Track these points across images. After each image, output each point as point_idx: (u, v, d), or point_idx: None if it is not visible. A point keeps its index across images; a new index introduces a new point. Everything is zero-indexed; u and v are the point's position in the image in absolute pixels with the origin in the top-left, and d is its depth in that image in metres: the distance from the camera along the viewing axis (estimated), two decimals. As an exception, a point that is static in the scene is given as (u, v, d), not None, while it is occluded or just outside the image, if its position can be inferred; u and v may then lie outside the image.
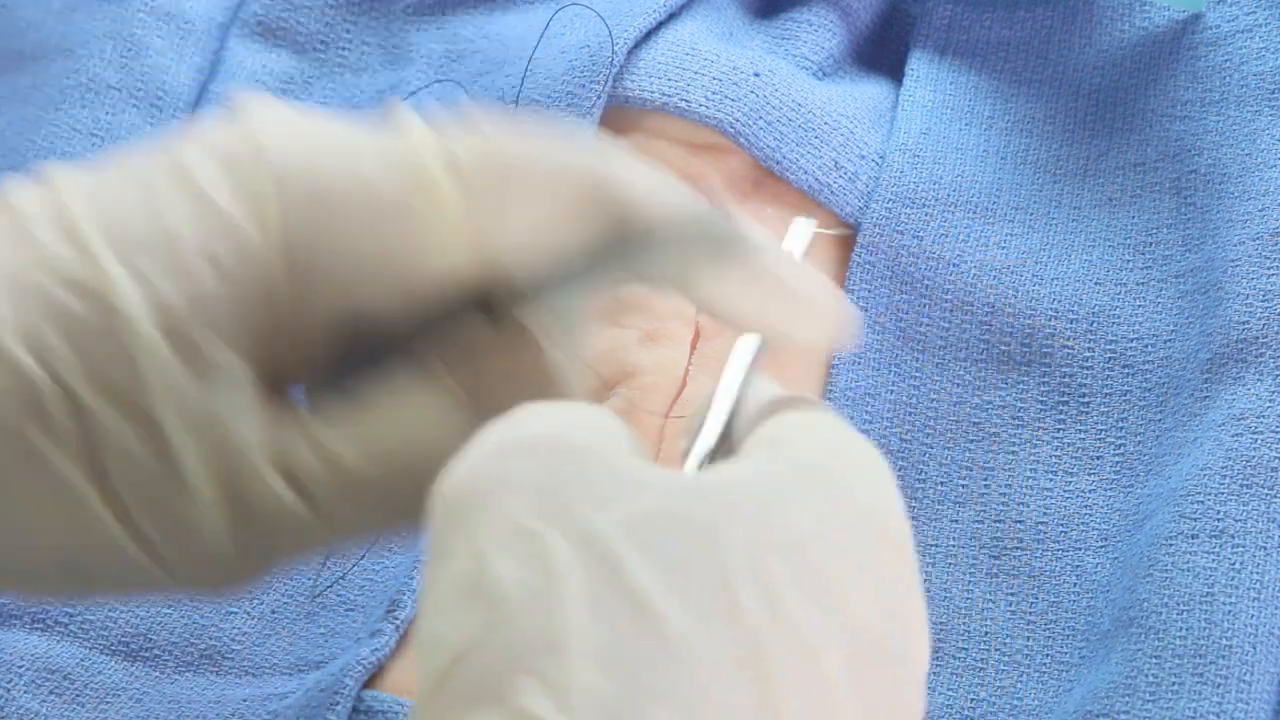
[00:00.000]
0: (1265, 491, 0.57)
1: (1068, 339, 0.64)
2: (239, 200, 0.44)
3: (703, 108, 0.65)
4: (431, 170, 0.44)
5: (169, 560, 0.45)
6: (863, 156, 0.67)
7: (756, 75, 0.66)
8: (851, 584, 0.39)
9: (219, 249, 0.44)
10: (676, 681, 0.36)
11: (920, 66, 0.70)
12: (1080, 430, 0.62)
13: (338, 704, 0.57)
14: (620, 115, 0.66)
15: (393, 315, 0.44)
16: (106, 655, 0.61)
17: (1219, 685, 0.54)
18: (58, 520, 0.44)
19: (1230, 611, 0.55)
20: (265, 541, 0.45)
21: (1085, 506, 0.61)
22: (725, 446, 0.45)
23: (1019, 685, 0.59)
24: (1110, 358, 0.63)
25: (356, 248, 0.44)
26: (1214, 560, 0.56)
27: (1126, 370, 0.63)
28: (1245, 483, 0.57)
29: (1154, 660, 0.55)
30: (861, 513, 0.41)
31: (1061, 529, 0.61)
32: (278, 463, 0.44)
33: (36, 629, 0.61)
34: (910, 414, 0.63)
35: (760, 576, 0.38)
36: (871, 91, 0.70)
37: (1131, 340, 0.63)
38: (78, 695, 0.60)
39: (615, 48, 0.66)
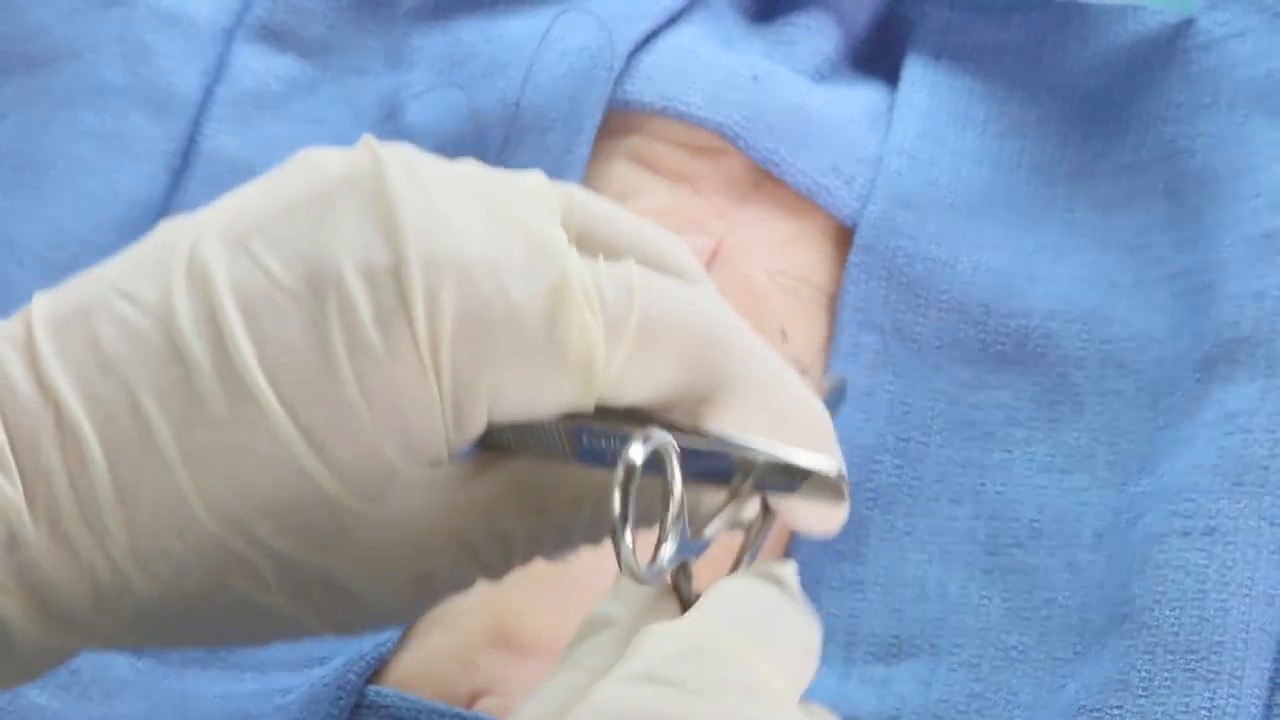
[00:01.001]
0: (1256, 489, 0.57)
1: (1062, 339, 0.64)
2: (404, 340, 0.43)
3: (701, 111, 0.66)
4: (589, 323, 0.44)
5: (346, 630, 0.47)
6: (859, 159, 0.67)
7: (755, 79, 0.67)
8: None
9: (392, 415, 0.43)
10: None
11: (916, 70, 0.70)
12: (1074, 429, 0.63)
13: (342, 699, 0.58)
14: (620, 118, 0.66)
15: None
16: (114, 650, 0.61)
17: (1210, 681, 0.54)
18: (261, 626, 0.46)
19: (1222, 608, 0.55)
20: (435, 600, 0.47)
21: (1079, 504, 0.61)
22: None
23: (1014, 681, 0.59)
24: (1104, 358, 0.63)
25: (503, 383, 0.44)
26: (1206, 557, 0.56)
27: (1120, 370, 0.63)
28: (1237, 481, 0.57)
29: (1147, 656, 0.55)
30: None
31: (1056, 526, 0.61)
32: (460, 547, 0.46)
33: None
34: (906, 413, 0.64)
35: None
36: (868, 95, 0.70)
37: (1125, 340, 0.63)
38: (85, 690, 0.60)
39: (615, 52, 0.66)
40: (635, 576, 0.43)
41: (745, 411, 0.45)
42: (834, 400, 0.52)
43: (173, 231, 0.45)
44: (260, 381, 0.43)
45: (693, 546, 0.45)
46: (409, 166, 0.45)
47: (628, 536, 0.43)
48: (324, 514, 0.44)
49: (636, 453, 0.42)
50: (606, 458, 0.45)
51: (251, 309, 0.43)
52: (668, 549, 0.44)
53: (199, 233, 0.44)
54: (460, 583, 0.47)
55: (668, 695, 0.40)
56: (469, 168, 0.46)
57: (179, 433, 0.43)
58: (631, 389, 0.45)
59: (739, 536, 0.47)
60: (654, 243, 0.47)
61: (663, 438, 0.43)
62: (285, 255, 0.43)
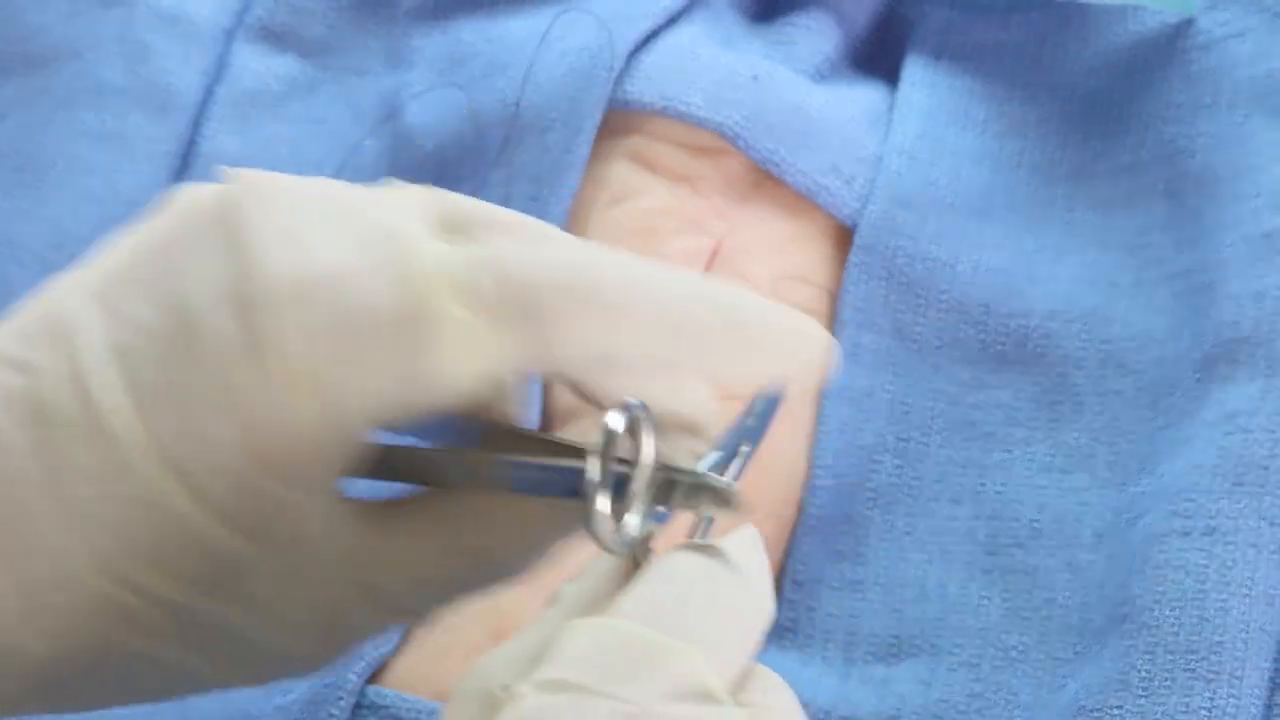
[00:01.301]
0: (1256, 489, 0.57)
1: (1062, 339, 0.64)
2: (263, 364, 0.42)
3: (701, 111, 0.66)
4: (451, 310, 0.43)
5: (253, 680, 0.46)
6: (859, 159, 0.67)
7: (755, 79, 0.67)
8: None
9: (261, 441, 0.42)
10: None
11: (916, 70, 0.70)
12: (1074, 429, 0.63)
13: (342, 699, 0.58)
14: (620, 118, 0.66)
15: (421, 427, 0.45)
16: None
17: (1210, 681, 0.54)
18: (165, 681, 0.45)
19: (1222, 608, 0.55)
20: (347, 648, 0.47)
21: (1079, 504, 0.61)
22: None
23: (1014, 681, 0.59)
24: (1103, 357, 0.63)
25: (375, 389, 0.43)
26: (1206, 557, 0.56)
27: (1120, 370, 0.63)
28: (1237, 481, 0.57)
29: (1147, 656, 0.55)
30: None
31: (1056, 526, 0.61)
32: (372, 593, 0.45)
33: None
34: (906, 413, 0.64)
35: None
36: (868, 95, 0.70)
37: (1125, 340, 0.64)
38: (85, 690, 0.61)
39: (615, 52, 0.66)
40: (605, 545, 0.43)
41: (645, 347, 0.44)
42: (766, 411, 0.51)
43: (52, 290, 0.45)
44: (122, 427, 0.42)
45: (657, 516, 0.44)
46: (258, 191, 0.44)
47: (602, 504, 0.42)
48: (208, 556, 0.43)
49: (615, 420, 0.42)
50: (524, 485, 0.45)
51: (119, 357, 0.43)
52: (635, 518, 0.44)
53: (73, 289, 0.44)
54: (379, 630, 0.46)
55: (582, 702, 0.40)
56: (320, 184, 0.45)
57: (53, 490, 0.42)
58: (519, 362, 0.44)
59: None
60: (521, 222, 0.46)
61: (640, 406, 0.43)
62: (146, 298, 0.43)
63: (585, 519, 0.43)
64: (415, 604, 0.46)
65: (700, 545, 0.45)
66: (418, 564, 0.45)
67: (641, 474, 0.43)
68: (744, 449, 0.48)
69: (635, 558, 0.45)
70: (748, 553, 0.45)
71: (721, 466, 0.47)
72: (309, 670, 0.47)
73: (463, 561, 0.45)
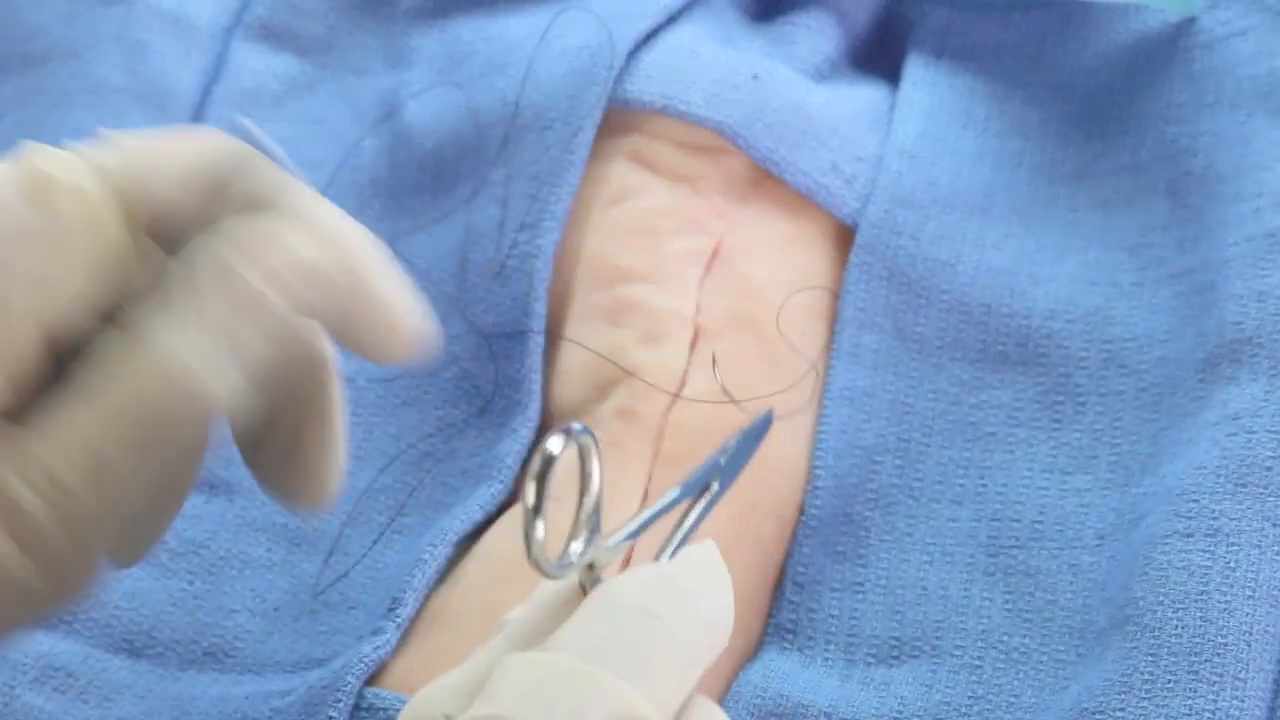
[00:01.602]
0: (1259, 490, 0.57)
1: (1063, 339, 0.64)
2: None
3: (701, 110, 0.66)
4: (65, 160, 0.44)
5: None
6: (860, 158, 0.67)
7: (755, 78, 0.67)
8: None
9: None
10: None
11: (917, 70, 0.70)
12: (1076, 430, 0.63)
13: (339, 701, 0.57)
14: (620, 117, 0.66)
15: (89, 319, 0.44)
16: (110, 653, 0.61)
17: (1214, 683, 0.54)
18: None
19: (1225, 610, 0.55)
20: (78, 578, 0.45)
21: (1081, 505, 0.61)
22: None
23: (1016, 683, 0.59)
24: (1105, 358, 0.63)
25: (15, 273, 0.43)
26: (1209, 559, 0.56)
27: (1122, 370, 0.63)
28: (1240, 482, 0.57)
29: (1150, 658, 0.55)
30: None
31: (1058, 528, 0.61)
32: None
33: (41, 627, 0.61)
34: (907, 413, 0.64)
35: None
36: (868, 94, 0.70)
37: (1127, 340, 0.63)
38: (82, 692, 0.60)
39: (615, 50, 0.66)
40: (543, 571, 0.43)
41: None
42: (758, 430, 0.51)
43: None
44: None
45: (600, 543, 0.44)
46: None
47: (539, 529, 0.42)
48: None
49: (555, 443, 0.42)
50: None
51: None
52: (577, 545, 0.44)
53: None
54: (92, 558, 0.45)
55: None
56: None
57: None
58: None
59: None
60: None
61: (583, 430, 0.43)
62: None
63: (524, 545, 0.43)
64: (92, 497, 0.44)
65: (647, 570, 0.44)
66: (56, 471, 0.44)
67: (589, 503, 0.43)
68: (714, 487, 0.48)
69: (582, 584, 0.45)
70: (702, 571, 0.45)
71: (689, 503, 0.47)
72: (53, 603, 0.45)
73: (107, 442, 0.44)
